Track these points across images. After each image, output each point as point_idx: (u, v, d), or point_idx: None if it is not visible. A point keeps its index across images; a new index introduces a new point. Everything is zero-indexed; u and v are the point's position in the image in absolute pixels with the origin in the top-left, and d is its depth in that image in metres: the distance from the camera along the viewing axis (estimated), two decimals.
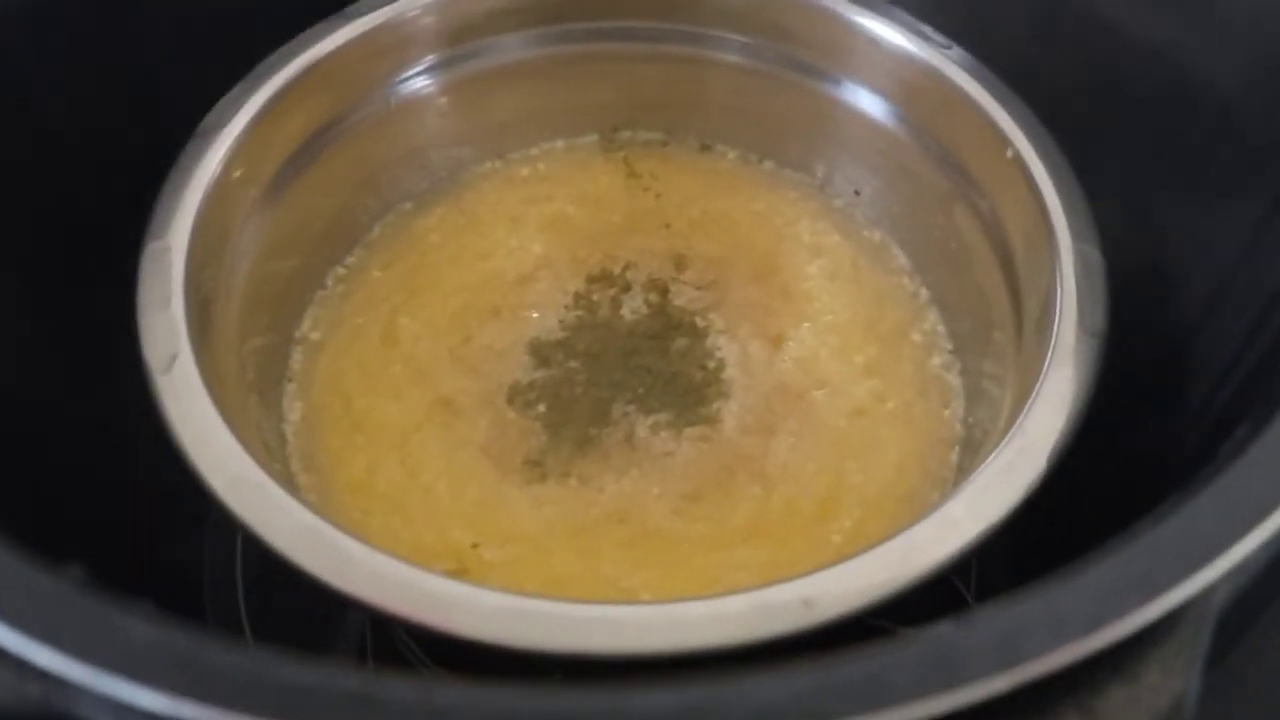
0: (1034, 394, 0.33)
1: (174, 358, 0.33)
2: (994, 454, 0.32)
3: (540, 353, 0.44)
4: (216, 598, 0.43)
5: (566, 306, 0.46)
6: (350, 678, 0.19)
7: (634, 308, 0.46)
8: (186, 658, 0.19)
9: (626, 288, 0.46)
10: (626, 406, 0.43)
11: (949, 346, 0.45)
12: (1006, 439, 0.32)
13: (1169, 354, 0.38)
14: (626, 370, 0.44)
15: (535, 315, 0.45)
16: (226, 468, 0.31)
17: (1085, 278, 0.36)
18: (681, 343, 0.44)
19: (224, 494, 0.30)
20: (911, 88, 0.44)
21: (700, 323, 0.45)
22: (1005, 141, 0.40)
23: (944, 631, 0.20)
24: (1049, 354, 0.34)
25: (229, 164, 0.39)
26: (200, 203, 0.37)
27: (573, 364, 0.44)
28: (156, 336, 0.33)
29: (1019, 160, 0.40)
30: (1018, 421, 0.33)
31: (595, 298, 0.46)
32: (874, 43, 0.45)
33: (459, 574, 0.38)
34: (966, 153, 0.42)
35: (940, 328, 0.45)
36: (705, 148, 0.51)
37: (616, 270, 0.47)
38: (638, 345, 0.44)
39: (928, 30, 0.43)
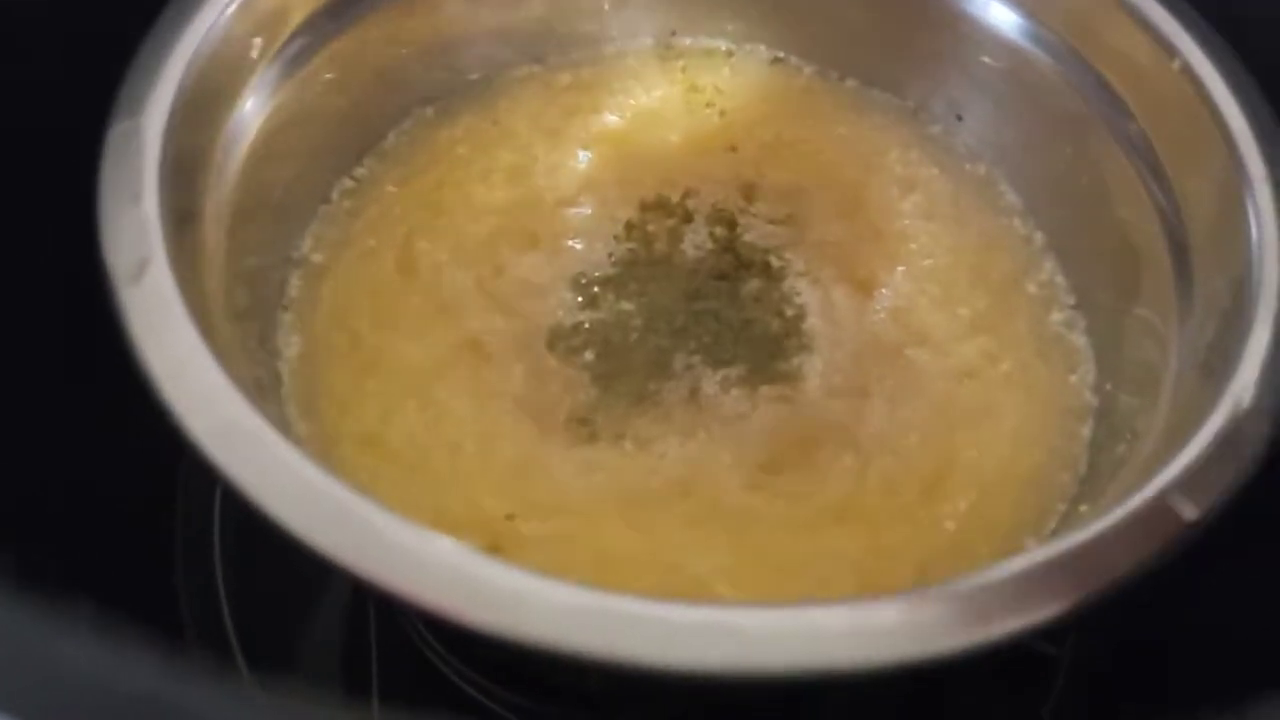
0: (1234, 373, 0.27)
1: (144, 264, 0.25)
2: (1198, 431, 0.25)
3: (586, 290, 0.37)
4: (190, 555, 0.36)
5: (617, 237, 0.38)
6: None
7: (697, 242, 0.39)
8: None
9: (688, 218, 0.39)
10: (690, 358, 0.36)
11: (1070, 301, 0.38)
12: (1211, 419, 0.26)
13: None
14: (689, 315, 0.36)
15: (579, 246, 0.38)
16: (212, 409, 0.24)
17: None
18: (754, 285, 0.37)
19: (209, 445, 0.23)
20: None
21: (775, 262, 0.38)
22: (1168, 49, 0.33)
23: None
24: (1253, 320, 0.27)
25: (223, 31, 0.31)
26: (184, 75, 0.30)
27: (625, 305, 0.37)
28: (122, 237, 0.26)
29: (1189, 73, 0.33)
30: (1222, 401, 0.26)
31: (650, 228, 0.39)
32: None
33: (492, 551, 0.31)
34: (1112, 63, 0.35)
35: (1059, 278, 0.38)
36: (777, 60, 0.44)
37: (675, 198, 0.39)
38: (702, 286, 0.37)
39: None
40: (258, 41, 0.33)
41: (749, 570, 0.31)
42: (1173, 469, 0.26)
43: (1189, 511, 0.25)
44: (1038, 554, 0.24)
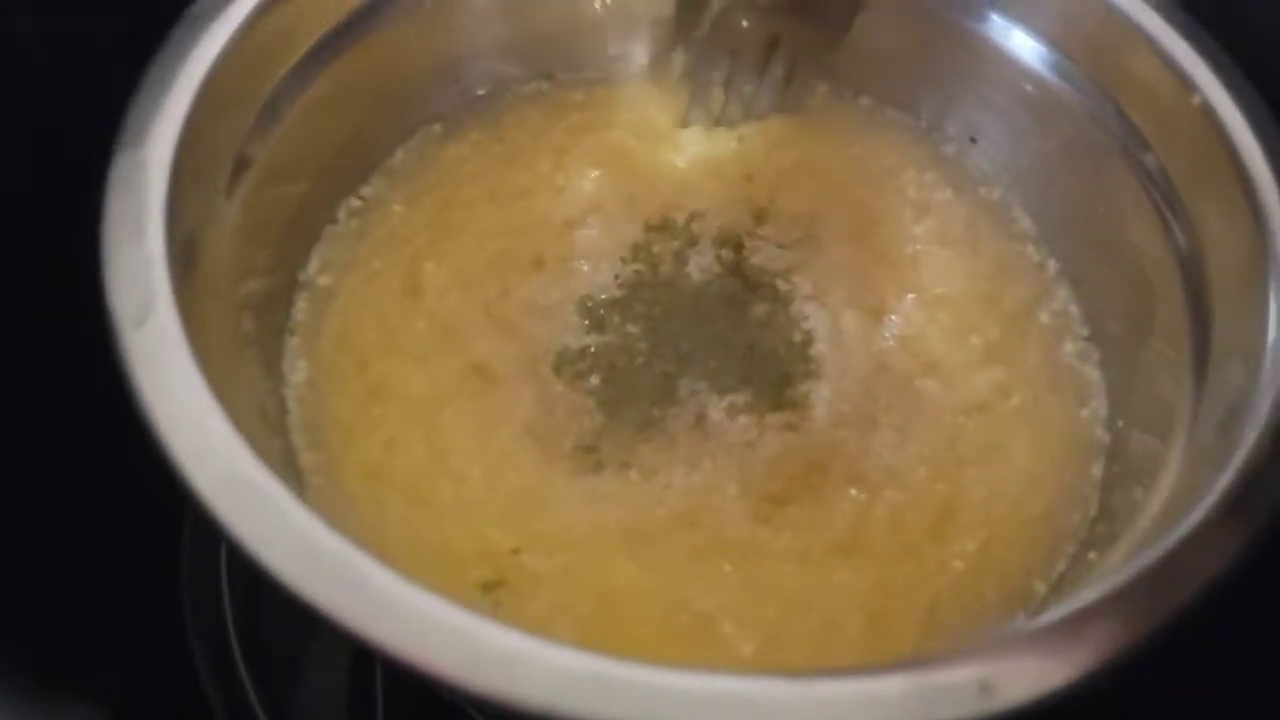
0: (1255, 422, 0.26)
1: (149, 308, 0.25)
2: (1218, 482, 0.25)
3: (592, 313, 0.37)
4: (197, 595, 0.36)
5: (623, 259, 0.38)
6: None
7: (703, 265, 0.38)
8: None
9: (693, 241, 0.39)
10: (696, 383, 0.35)
11: (1084, 332, 0.37)
12: (1230, 468, 0.25)
13: None
14: (696, 339, 0.36)
15: (586, 268, 0.38)
16: (217, 462, 0.23)
17: None
18: (761, 309, 0.37)
19: (211, 497, 0.23)
20: (1058, 7, 0.36)
21: (783, 286, 0.38)
22: (1188, 84, 0.33)
23: None
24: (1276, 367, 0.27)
25: (227, 60, 0.31)
26: (190, 104, 0.29)
27: (631, 329, 0.36)
28: (125, 277, 0.25)
29: (1207, 110, 0.32)
30: (1240, 452, 0.26)
31: (656, 249, 0.38)
32: None
33: (496, 586, 0.31)
34: (1132, 94, 0.35)
35: (1073, 308, 0.38)
36: (789, 78, 0.43)
37: (681, 219, 0.39)
38: (708, 310, 0.37)
39: None
40: (263, 66, 0.33)
41: (755, 607, 0.31)
42: (1190, 521, 0.26)
43: (1210, 566, 0.24)
44: (1051, 616, 0.24)
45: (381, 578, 0.22)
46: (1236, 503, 0.25)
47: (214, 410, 0.24)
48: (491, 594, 0.31)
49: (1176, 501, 0.28)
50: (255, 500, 0.23)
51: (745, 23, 0.38)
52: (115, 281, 0.25)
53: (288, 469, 0.31)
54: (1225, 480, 0.26)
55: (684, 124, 0.41)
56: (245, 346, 0.32)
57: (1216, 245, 0.32)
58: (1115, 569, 0.25)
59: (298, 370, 0.35)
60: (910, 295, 0.38)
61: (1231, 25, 0.33)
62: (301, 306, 0.36)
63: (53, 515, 0.33)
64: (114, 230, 0.26)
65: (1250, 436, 0.27)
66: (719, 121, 0.41)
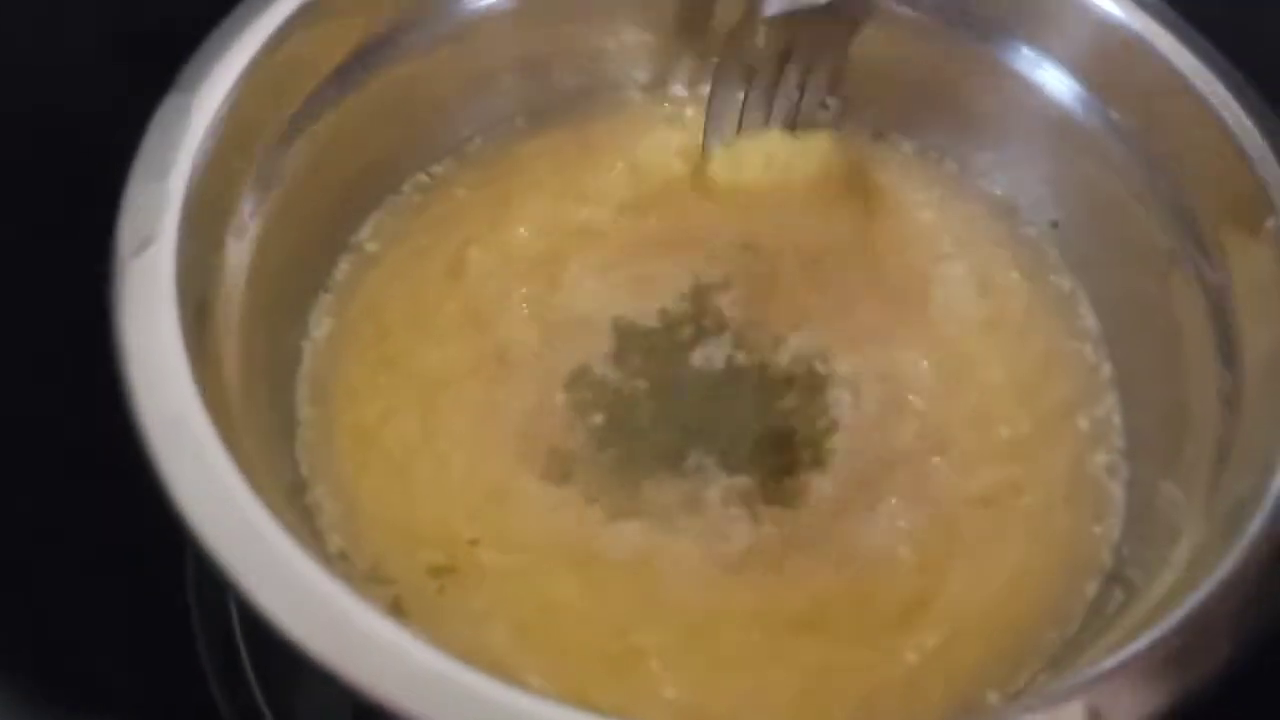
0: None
1: (146, 241, 0.26)
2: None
3: (618, 345, 0.36)
4: (204, 601, 0.37)
5: (669, 296, 0.37)
6: None
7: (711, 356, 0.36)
8: None
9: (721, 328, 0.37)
10: (704, 458, 0.34)
11: (1120, 444, 0.35)
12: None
13: None
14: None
15: (629, 294, 0.37)
16: (166, 398, 0.25)
17: None
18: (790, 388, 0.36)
19: (152, 430, 0.24)
20: (1153, 102, 0.35)
21: (821, 369, 0.36)
22: (1267, 205, 0.30)
23: None
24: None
25: (301, 23, 0.32)
26: (256, 56, 0.31)
27: (650, 375, 0.35)
28: (134, 214, 0.27)
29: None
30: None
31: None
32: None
33: (445, 572, 0.32)
34: (1203, 204, 0.32)
35: (1115, 418, 0.36)
36: (877, 135, 0.41)
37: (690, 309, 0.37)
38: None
39: None
40: (345, 29, 0.34)
41: (691, 654, 0.30)
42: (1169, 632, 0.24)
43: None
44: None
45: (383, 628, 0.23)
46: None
47: (181, 361, 0.25)
48: (438, 579, 0.31)
49: (1161, 612, 0.26)
50: (193, 447, 0.24)
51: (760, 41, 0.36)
52: (124, 217, 0.27)
53: (276, 419, 0.32)
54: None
55: (704, 151, 0.39)
56: (270, 296, 0.33)
57: (1259, 373, 0.29)
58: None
59: (322, 326, 0.36)
60: (946, 375, 0.36)
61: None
62: (343, 268, 0.37)
63: (56, 520, 0.34)
64: (139, 172, 0.28)
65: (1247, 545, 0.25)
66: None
